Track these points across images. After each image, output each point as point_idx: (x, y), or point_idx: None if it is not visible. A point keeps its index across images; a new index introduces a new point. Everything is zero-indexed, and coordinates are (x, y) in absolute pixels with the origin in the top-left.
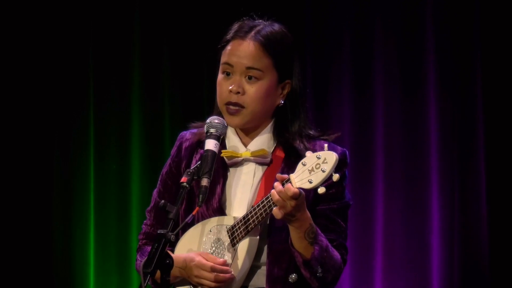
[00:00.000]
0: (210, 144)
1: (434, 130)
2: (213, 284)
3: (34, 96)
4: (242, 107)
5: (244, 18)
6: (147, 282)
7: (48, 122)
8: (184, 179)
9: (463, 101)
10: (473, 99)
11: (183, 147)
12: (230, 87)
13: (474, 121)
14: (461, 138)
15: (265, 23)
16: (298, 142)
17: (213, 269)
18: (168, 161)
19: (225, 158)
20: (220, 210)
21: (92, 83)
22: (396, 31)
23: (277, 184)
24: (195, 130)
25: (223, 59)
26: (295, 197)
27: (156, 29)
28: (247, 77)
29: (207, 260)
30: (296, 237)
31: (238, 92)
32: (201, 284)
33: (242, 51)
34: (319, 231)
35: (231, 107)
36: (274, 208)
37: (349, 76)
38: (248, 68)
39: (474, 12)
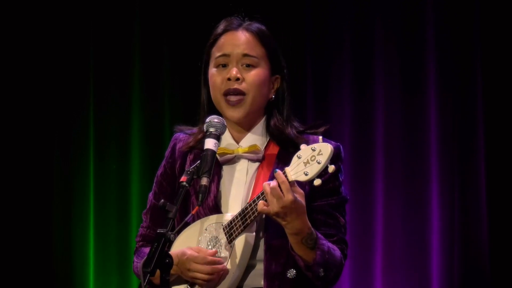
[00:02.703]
0: (210, 143)
1: (434, 130)
2: (206, 276)
3: (34, 96)
4: (243, 94)
5: (230, 17)
6: (146, 281)
7: (48, 122)
8: (183, 178)
9: (463, 101)
10: (473, 99)
11: (177, 148)
12: (228, 75)
13: (474, 121)
14: (461, 137)
15: (252, 21)
16: (289, 130)
17: (205, 261)
18: (163, 162)
19: (217, 155)
20: (216, 208)
21: (92, 83)
22: (396, 31)
23: (266, 184)
24: (188, 131)
25: (217, 52)
26: (286, 194)
27: (156, 29)
28: (244, 65)
29: (198, 253)
30: (294, 242)
31: (238, 79)
32: (195, 278)
33: (237, 39)
34: (320, 235)
35: (232, 97)
36: (259, 202)
37: (349, 76)
38: (245, 55)
39: (474, 12)
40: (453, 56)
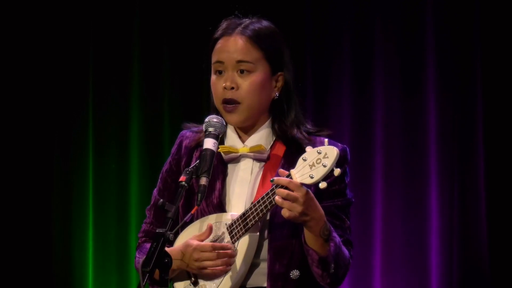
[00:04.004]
0: (209, 143)
1: (434, 130)
2: (215, 263)
3: (34, 96)
4: (238, 102)
5: (231, 17)
6: (146, 281)
7: (48, 122)
8: (182, 178)
9: (463, 101)
10: (473, 98)
11: (183, 145)
12: (224, 84)
13: (474, 120)
14: (461, 137)
15: (252, 20)
16: (295, 131)
17: (212, 248)
18: (168, 159)
19: (222, 153)
20: (220, 206)
21: (92, 82)
22: (396, 31)
23: (279, 190)
24: (195, 129)
25: (213, 58)
26: (299, 190)
27: (156, 29)
28: (239, 72)
29: (203, 242)
30: (311, 236)
31: (232, 88)
32: (203, 267)
33: (230, 46)
34: (332, 228)
35: (228, 105)
36: (283, 211)
37: (349, 76)
38: (239, 61)
39: (474, 12)
40: (453, 56)
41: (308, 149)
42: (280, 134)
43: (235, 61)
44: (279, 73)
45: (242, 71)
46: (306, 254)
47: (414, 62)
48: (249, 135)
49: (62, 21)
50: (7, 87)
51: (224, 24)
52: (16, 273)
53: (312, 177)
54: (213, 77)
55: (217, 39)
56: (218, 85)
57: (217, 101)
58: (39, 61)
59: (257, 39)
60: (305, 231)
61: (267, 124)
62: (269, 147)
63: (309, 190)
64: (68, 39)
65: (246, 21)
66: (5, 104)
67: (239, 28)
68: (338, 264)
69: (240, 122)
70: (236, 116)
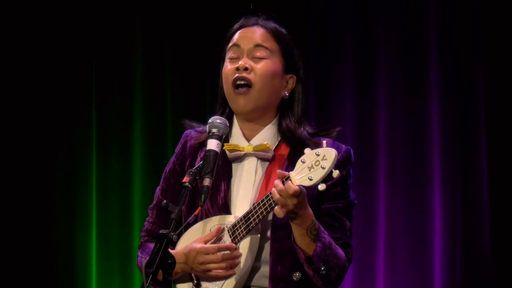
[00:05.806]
0: (212, 144)
1: (436, 130)
2: (221, 265)
3: (37, 96)
4: (250, 85)
5: (247, 16)
6: (149, 281)
7: (50, 122)
8: (186, 179)
9: (465, 101)
10: (475, 98)
11: (188, 145)
12: (238, 65)
13: (476, 120)
14: (463, 137)
15: (268, 20)
16: (301, 130)
17: (217, 250)
18: (172, 159)
19: (226, 151)
20: (225, 207)
21: (95, 83)
22: (399, 30)
23: (277, 183)
24: (200, 129)
25: (230, 45)
26: (296, 195)
27: (158, 29)
28: (255, 57)
29: (207, 244)
30: (299, 234)
31: (246, 69)
32: (208, 270)
33: (250, 32)
34: (322, 228)
35: (239, 86)
36: (276, 207)
37: (351, 75)
38: (256, 45)
39: (476, 11)
40: (455, 55)
41: (307, 151)
42: (287, 134)
43: (253, 45)
44: (292, 75)
45: (258, 57)
46: (296, 253)
47: (416, 61)
48: (255, 134)
49: (64, 22)
50: (9, 88)
51: (241, 20)
52: (19, 273)
53: (311, 179)
54: (226, 63)
55: (235, 31)
56: (230, 69)
57: (227, 84)
58: (42, 62)
59: (276, 33)
60: (293, 229)
61: (273, 124)
62: (274, 147)
63: (303, 189)
64: (70, 40)
65: (264, 20)
66: (7, 105)
67: (260, 22)
68: (328, 265)
69: (250, 107)
70: (245, 100)
